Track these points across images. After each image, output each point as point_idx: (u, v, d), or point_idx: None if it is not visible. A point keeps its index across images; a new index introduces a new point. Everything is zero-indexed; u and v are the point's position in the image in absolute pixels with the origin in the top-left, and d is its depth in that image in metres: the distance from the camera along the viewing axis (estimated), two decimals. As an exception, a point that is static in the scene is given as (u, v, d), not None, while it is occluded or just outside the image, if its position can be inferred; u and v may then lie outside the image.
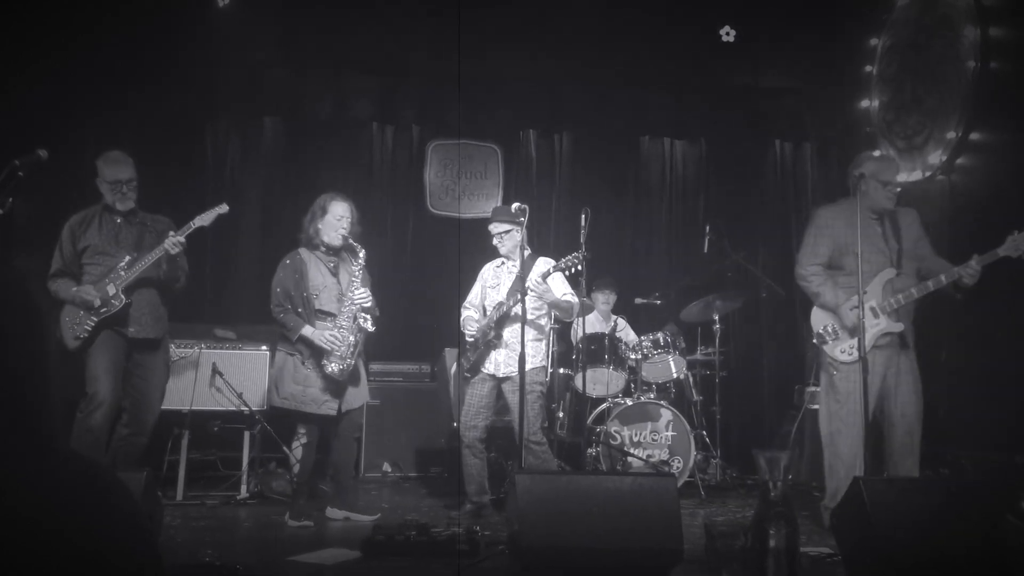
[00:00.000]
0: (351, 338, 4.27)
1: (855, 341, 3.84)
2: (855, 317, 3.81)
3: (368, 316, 4.35)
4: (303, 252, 4.40)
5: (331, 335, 4.23)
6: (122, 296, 4.14)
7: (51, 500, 0.82)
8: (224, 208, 4.28)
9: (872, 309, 4.00)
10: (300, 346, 4.26)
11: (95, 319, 4.10)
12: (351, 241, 4.35)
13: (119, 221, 4.27)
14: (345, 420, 4.38)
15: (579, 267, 4.42)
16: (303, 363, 4.26)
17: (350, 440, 4.51)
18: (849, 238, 3.99)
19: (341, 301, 4.33)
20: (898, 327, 4.02)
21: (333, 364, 4.22)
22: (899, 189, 4.07)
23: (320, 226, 4.35)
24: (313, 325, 4.26)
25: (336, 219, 4.34)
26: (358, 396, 4.43)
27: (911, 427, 3.96)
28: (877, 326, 4.00)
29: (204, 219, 4.24)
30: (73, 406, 4.09)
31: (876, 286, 4.04)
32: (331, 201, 4.38)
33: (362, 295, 4.31)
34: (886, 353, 4.03)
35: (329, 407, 4.28)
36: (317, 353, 4.25)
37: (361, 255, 4.34)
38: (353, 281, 4.33)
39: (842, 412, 4.05)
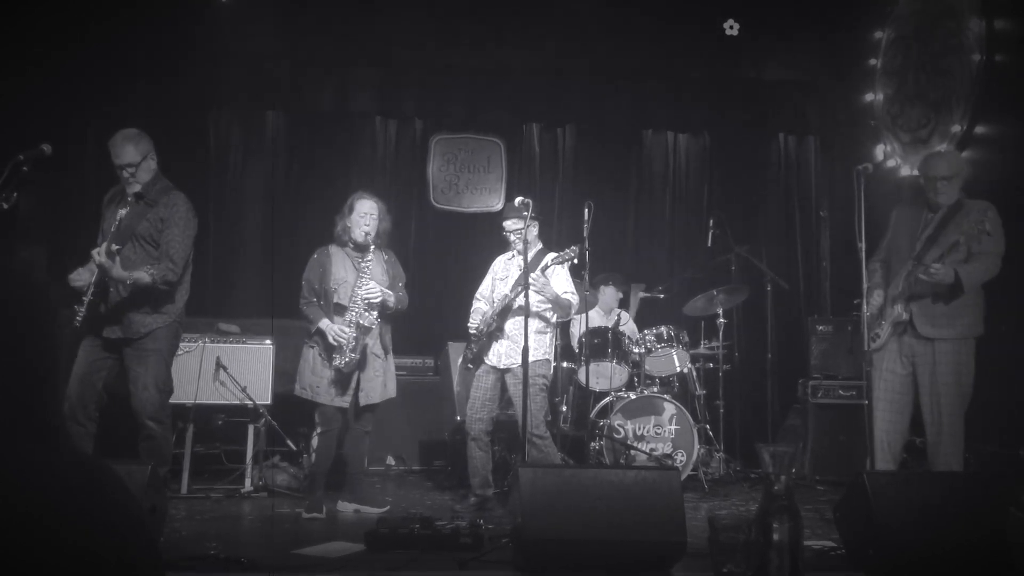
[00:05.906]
0: (354, 333, 4.31)
1: (879, 329, 4.15)
2: (874, 307, 4.20)
3: (373, 312, 4.36)
4: (332, 248, 4.52)
5: (338, 329, 4.32)
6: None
7: (45, 492, 0.82)
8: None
9: (893, 299, 4.12)
10: (317, 339, 4.39)
11: (83, 309, 3.76)
12: (368, 239, 4.42)
13: (130, 201, 3.97)
14: (362, 414, 4.45)
15: (574, 260, 4.49)
16: (319, 355, 4.37)
17: (361, 434, 4.54)
18: (896, 236, 4.28)
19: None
20: (903, 316, 4.06)
21: (336, 357, 4.32)
22: (945, 182, 4.05)
23: (348, 223, 4.45)
24: (331, 319, 4.35)
25: (360, 216, 4.43)
26: (377, 391, 4.45)
27: (939, 417, 3.94)
28: (892, 315, 4.12)
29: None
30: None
31: (899, 279, 4.14)
32: (358, 199, 4.50)
33: (369, 289, 4.34)
34: (905, 341, 4.08)
35: (342, 400, 4.36)
36: (328, 346, 4.34)
37: (371, 251, 4.41)
38: (361, 277, 4.37)
39: (875, 394, 4.19)
